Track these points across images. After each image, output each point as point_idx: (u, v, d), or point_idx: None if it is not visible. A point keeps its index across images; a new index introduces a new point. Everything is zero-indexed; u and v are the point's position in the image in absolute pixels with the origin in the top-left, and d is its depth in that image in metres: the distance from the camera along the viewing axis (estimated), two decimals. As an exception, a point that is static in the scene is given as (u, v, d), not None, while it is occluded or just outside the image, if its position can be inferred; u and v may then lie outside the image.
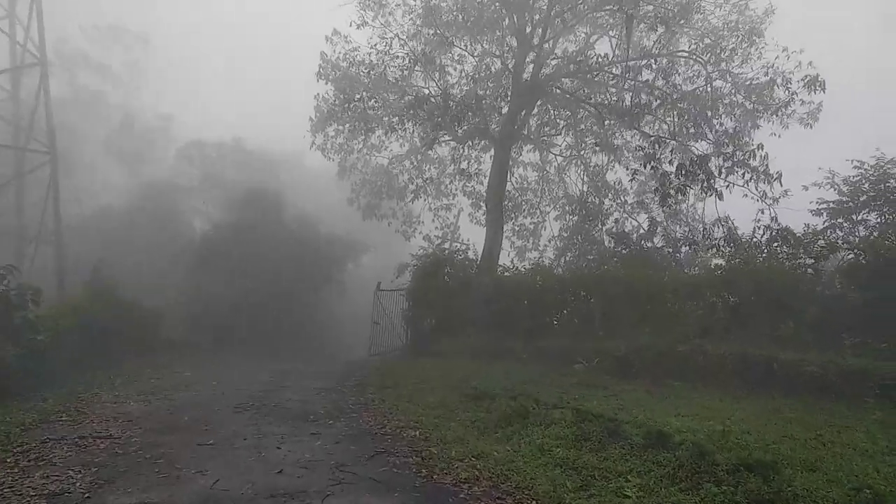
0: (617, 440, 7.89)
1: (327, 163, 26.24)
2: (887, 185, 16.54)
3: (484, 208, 25.12)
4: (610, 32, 21.10)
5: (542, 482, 6.72)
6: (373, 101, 21.02)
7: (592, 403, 9.94)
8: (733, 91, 17.62)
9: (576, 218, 24.71)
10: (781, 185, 15.13)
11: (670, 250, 18.66)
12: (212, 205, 27.45)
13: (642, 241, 19.50)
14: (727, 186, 15.46)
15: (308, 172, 30.72)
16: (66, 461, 7.12)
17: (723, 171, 15.24)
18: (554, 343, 16.14)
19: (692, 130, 16.87)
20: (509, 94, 20.40)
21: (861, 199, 17.03)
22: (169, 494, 6.15)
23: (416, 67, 19.86)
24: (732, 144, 15.77)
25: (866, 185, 16.87)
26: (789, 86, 16.09)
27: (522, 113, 20.99)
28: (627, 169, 23.30)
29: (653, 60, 16.41)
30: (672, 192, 15.41)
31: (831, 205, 17.61)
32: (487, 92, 19.93)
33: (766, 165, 15.01)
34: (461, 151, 22.75)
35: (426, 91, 20.14)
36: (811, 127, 17.87)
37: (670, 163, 15.50)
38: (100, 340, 14.09)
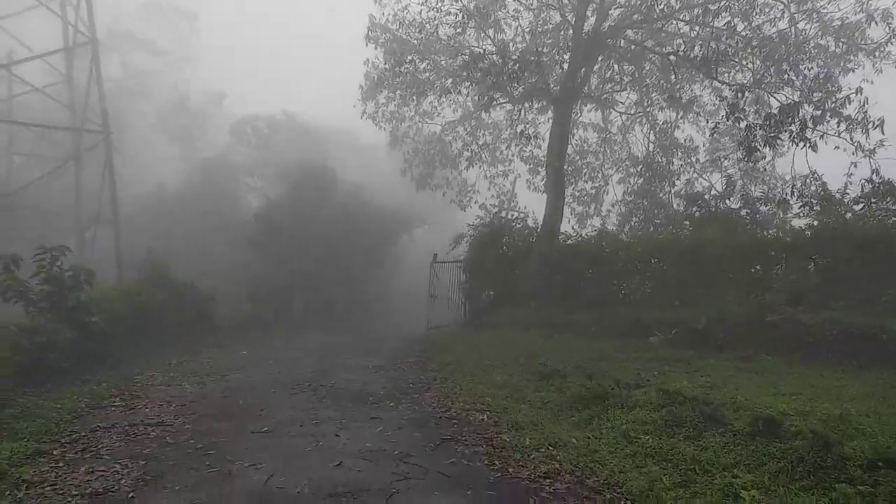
0: (715, 426, 6.89)
1: (379, 133, 25.54)
2: None
3: (543, 173, 24.07)
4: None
5: (634, 477, 5.85)
6: (425, 63, 20.03)
7: (679, 382, 8.93)
8: (820, 33, 15.79)
9: (641, 180, 23.42)
10: (883, 133, 13.43)
11: (748, 211, 17.16)
12: (265, 182, 27.23)
13: (717, 202, 18.04)
14: (821, 137, 13.85)
15: (360, 144, 30.08)
16: (114, 453, 6.66)
17: (813, 120, 13.63)
18: (624, 314, 15.10)
19: (774, 79, 15.23)
20: (569, 48, 19.06)
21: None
22: (220, 493, 5.58)
23: (470, 24, 18.69)
24: (822, 91, 14.10)
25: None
26: (891, 21, 14.22)
27: (583, 70, 19.61)
28: (699, 126, 21.76)
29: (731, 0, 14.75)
30: (759, 145, 13.91)
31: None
32: (545, 48, 18.63)
33: (866, 113, 13.34)
34: (518, 114, 21.58)
35: (480, 50, 18.98)
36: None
37: (755, 113, 13.99)
38: (156, 322, 13.87)
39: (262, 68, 44.72)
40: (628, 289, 16.63)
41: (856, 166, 14.91)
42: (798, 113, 13.27)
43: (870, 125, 13.33)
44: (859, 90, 13.11)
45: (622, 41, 19.47)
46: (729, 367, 10.60)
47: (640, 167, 23.29)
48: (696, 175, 22.07)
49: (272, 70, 43.74)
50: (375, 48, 21.43)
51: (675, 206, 22.08)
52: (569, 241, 18.89)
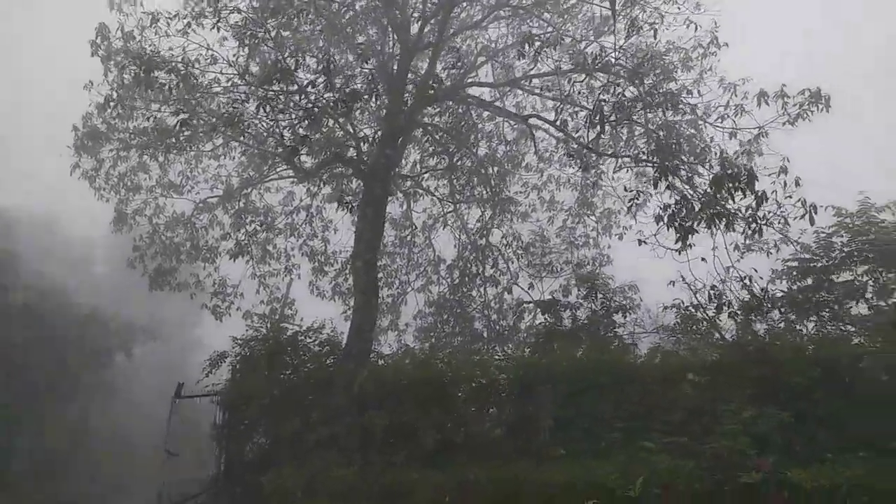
0: None
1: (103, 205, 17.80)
2: (869, 238, 13.58)
3: (334, 273, 18.70)
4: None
5: None
6: (175, 106, 13.73)
7: None
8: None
9: (445, 289, 19.45)
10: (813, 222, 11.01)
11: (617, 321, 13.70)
12: None
13: (571, 310, 14.39)
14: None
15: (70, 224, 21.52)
16: None
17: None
18: (490, 471, 9.96)
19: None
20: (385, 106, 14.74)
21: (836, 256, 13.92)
22: None
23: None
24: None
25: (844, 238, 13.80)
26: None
27: (399, 140, 15.31)
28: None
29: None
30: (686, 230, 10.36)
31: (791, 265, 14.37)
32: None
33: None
34: (313, 190, 16.29)
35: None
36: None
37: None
38: None
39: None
40: (489, 430, 11.56)
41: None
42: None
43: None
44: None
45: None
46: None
47: (447, 271, 19.34)
48: (512, 281, 18.53)
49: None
50: (105, 76, 14.62)
51: (496, 318, 18.33)
52: (403, 363, 13.34)
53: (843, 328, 12.44)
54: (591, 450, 9.90)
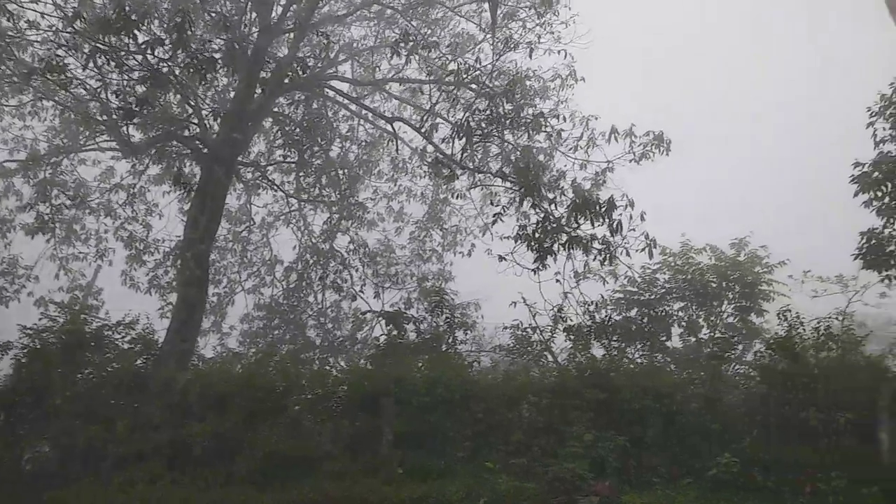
0: None
1: None
2: (688, 277, 14.86)
3: (154, 263, 16.65)
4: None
5: None
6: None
7: None
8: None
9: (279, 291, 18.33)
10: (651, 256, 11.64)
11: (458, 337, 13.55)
12: None
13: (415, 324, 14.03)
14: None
15: None
16: None
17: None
18: (326, 490, 9.17)
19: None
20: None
21: (659, 291, 15.04)
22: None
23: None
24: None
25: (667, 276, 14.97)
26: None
27: (248, 125, 14.02)
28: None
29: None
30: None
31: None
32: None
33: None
34: (139, 165, 14.32)
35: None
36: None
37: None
38: None
39: None
40: (327, 445, 10.67)
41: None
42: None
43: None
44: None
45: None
46: None
47: (284, 274, 18.23)
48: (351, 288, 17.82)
49: None
50: None
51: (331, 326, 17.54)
52: (231, 368, 11.97)
53: (664, 359, 13.38)
54: (433, 468, 9.51)
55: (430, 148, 16.44)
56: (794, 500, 8.29)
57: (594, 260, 11.15)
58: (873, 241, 11.18)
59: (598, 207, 10.51)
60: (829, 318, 11.38)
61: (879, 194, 10.91)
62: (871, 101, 11.24)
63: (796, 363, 9.75)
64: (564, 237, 10.78)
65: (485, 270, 16.47)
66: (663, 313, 14.14)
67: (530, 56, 11.91)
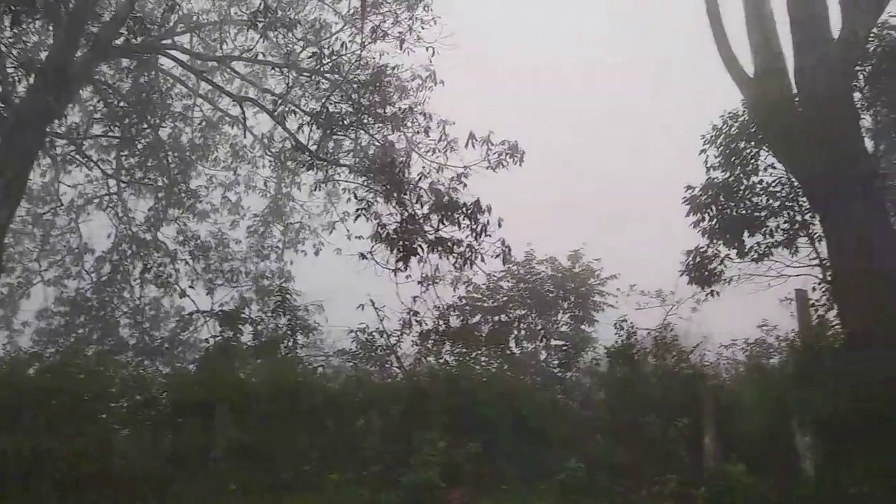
0: None
1: None
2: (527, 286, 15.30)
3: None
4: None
5: None
6: None
7: None
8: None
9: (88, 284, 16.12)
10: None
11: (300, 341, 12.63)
12: None
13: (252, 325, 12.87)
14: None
15: None
16: None
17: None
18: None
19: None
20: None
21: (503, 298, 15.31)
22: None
23: None
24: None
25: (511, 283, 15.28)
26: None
27: (63, 90, 11.98)
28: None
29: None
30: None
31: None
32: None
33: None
34: None
35: None
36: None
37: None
38: None
39: None
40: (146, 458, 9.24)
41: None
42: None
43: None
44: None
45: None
46: None
47: (95, 265, 16.03)
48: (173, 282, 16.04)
49: None
50: None
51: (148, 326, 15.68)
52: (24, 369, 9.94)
53: (507, 365, 13.54)
54: (274, 483, 8.62)
55: (276, 137, 15.51)
56: (632, 502, 8.63)
57: (454, 264, 10.97)
58: (698, 259, 12.26)
59: (465, 209, 10.35)
60: (658, 329, 12.22)
61: (707, 217, 11.99)
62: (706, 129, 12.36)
63: (636, 370, 10.27)
64: (429, 238, 10.47)
65: (329, 271, 15.77)
66: (506, 320, 14.42)
67: (401, 47, 11.44)
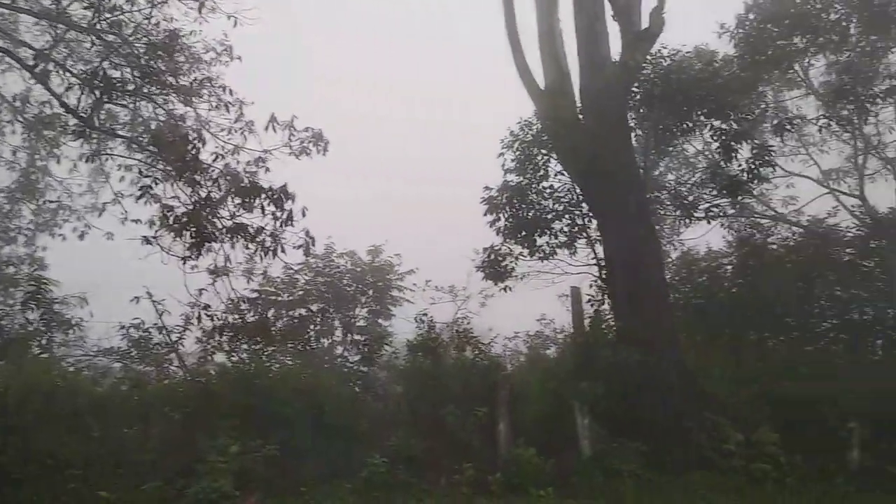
0: None
1: None
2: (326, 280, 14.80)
3: None
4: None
5: None
6: None
7: None
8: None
9: None
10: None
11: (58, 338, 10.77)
12: None
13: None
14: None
15: None
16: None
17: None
18: None
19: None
20: None
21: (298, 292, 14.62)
22: None
23: None
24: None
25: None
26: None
27: None
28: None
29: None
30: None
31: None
32: None
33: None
34: None
35: None
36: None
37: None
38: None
39: None
40: None
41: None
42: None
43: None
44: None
45: None
46: None
47: None
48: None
49: None
50: None
51: None
52: None
53: (302, 362, 12.96)
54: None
55: (32, 100, 13.16)
56: (431, 493, 8.71)
57: (254, 253, 10.08)
58: (493, 257, 12.88)
59: (269, 193, 9.58)
60: (452, 323, 12.62)
61: (502, 216, 12.63)
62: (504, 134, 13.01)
63: (437, 363, 10.42)
64: (226, 225, 9.50)
65: (98, 260, 13.84)
66: (304, 315, 13.82)
67: (200, 10, 10.20)
